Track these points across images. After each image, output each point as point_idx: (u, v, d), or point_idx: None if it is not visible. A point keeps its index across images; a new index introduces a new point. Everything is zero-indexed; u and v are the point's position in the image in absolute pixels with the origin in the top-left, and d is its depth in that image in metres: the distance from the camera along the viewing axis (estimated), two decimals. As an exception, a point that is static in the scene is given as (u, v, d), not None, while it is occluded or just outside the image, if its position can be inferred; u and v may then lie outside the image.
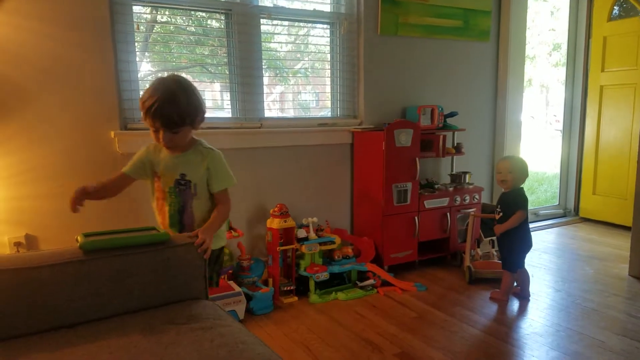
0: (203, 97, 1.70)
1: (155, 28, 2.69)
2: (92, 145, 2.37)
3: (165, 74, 1.66)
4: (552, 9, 6.89)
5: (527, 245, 2.59)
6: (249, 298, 2.39)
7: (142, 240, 1.51)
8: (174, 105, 1.56)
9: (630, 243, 2.97)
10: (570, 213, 4.43)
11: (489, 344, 2.12)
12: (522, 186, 2.59)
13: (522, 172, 2.55)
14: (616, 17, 4.00)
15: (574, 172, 4.39)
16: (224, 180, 1.74)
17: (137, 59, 2.53)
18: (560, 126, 4.55)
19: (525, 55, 3.82)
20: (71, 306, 1.38)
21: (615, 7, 3.98)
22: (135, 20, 2.48)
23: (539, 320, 2.35)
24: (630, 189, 3.39)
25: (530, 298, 2.61)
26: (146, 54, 2.66)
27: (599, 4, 4.07)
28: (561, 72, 4.51)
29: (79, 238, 1.47)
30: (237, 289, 2.33)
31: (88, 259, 1.41)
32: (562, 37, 4.51)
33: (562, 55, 4.84)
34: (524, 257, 2.61)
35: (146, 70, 2.66)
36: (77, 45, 2.29)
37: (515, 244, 2.55)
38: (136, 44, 2.51)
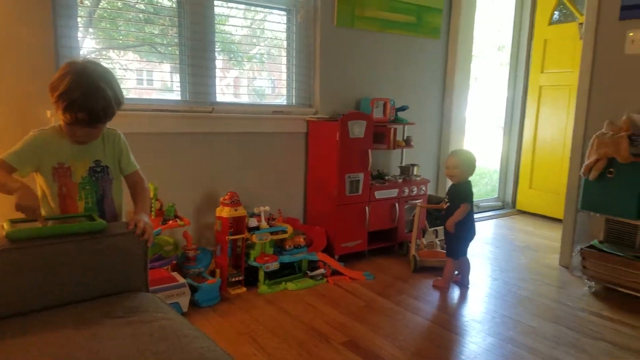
0: (120, 84, 1.55)
1: (101, 3, 2.53)
2: (28, 125, 2.16)
3: (78, 60, 1.48)
4: (499, 11, 7.16)
5: (470, 234, 2.70)
6: (194, 290, 2.33)
7: (75, 229, 1.42)
8: (101, 100, 1.42)
9: (561, 235, 3.17)
10: (508, 206, 4.67)
11: (432, 331, 2.20)
12: (469, 179, 2.69)
13: (467, 166, 2.65)
14: (556, 22, 4.22)
15: (512, 168, 4.62)
16: (133, 160, 1.68)
17: (80, 35, 2.38)
18: (501, 123, 4.75)
19: (472, 54, 3.94)
20: (-3, 299, 1.29)
21: (555, 12, 4.20)
22: (79, -7, 2.32)
23: (477, 308, 2.46)
24: (563, 184, 3.59)
25: (469, 286, 2.73)
26: (90, 30, 2.51)
27: (541, 8, 4.28)
28: (505, 72, 4.69)
29: (5, 225, 1.37)
30: (181, 280, 2.26)
31: (15, 249, 1.32)
32: (507, 38, 4.67)
33: (506, 55, 5.03)
34: (467, 246, 2.72)
35: (90, 47, 2.52)
36: (12, 17, 2.12)
37: (460, 233, 2.65)
38: (79, 19, 2.37)
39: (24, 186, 1.37)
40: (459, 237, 2.66)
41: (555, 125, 4.21)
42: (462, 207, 2.59)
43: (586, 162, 2.65)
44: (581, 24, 3.55)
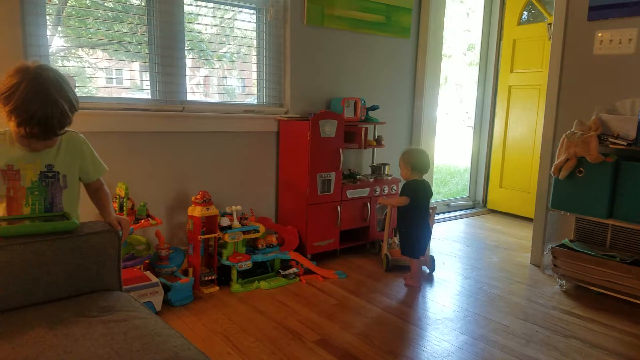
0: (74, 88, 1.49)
1: (69, 1, 2.49)
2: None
3: (29, 65, 1.37)
4: (468, 11, 7.30)
5: (423, 234, 2.78)
6: (167, 289, 2.31)
7: (47, 229, 1.42)
8: (57, 113, 1.36)
9: (532, 234, 3.22)
10: (479, 205, 4.75)
11: (404, 329, 2.22)
12: (422, 178, 2.76)
13: (405, 167, 2.75)
14: (525, 22, 4.30)
15: (483, 167, 4.70)
16: (100, 166, 1.63)
17: (49, 33, 2.34)
18: (471, 123, 4.84)
19: (442, 53, 3.99)
20: (-32, 299, 1.27)
21: (524, 12, 4.29)
22: (47, -9, 2.28)
23: (449, 306, 2.49)
24: (533, 183, 3.67)
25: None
26: (59, 28, 2.46)
27: (510, 8, 4.35)
28: (474, 72, 4.79)
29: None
30: (154, 279, 2.24)
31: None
32: (476, 38, 4.76)
33: (475, 55, 5.12)
34: (421, 245, 2.78)
35: (59, 46, 2.48)
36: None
37: (411, 232, 2.74)
38: (48, 17, 2.32)
39: None
40: (412, 236, 2.74)
41: (525, 124, 4.30)
42: (402, 198, 2.70)
43: (556, 161, 2.67)
44: (550, 24, 3.63)
